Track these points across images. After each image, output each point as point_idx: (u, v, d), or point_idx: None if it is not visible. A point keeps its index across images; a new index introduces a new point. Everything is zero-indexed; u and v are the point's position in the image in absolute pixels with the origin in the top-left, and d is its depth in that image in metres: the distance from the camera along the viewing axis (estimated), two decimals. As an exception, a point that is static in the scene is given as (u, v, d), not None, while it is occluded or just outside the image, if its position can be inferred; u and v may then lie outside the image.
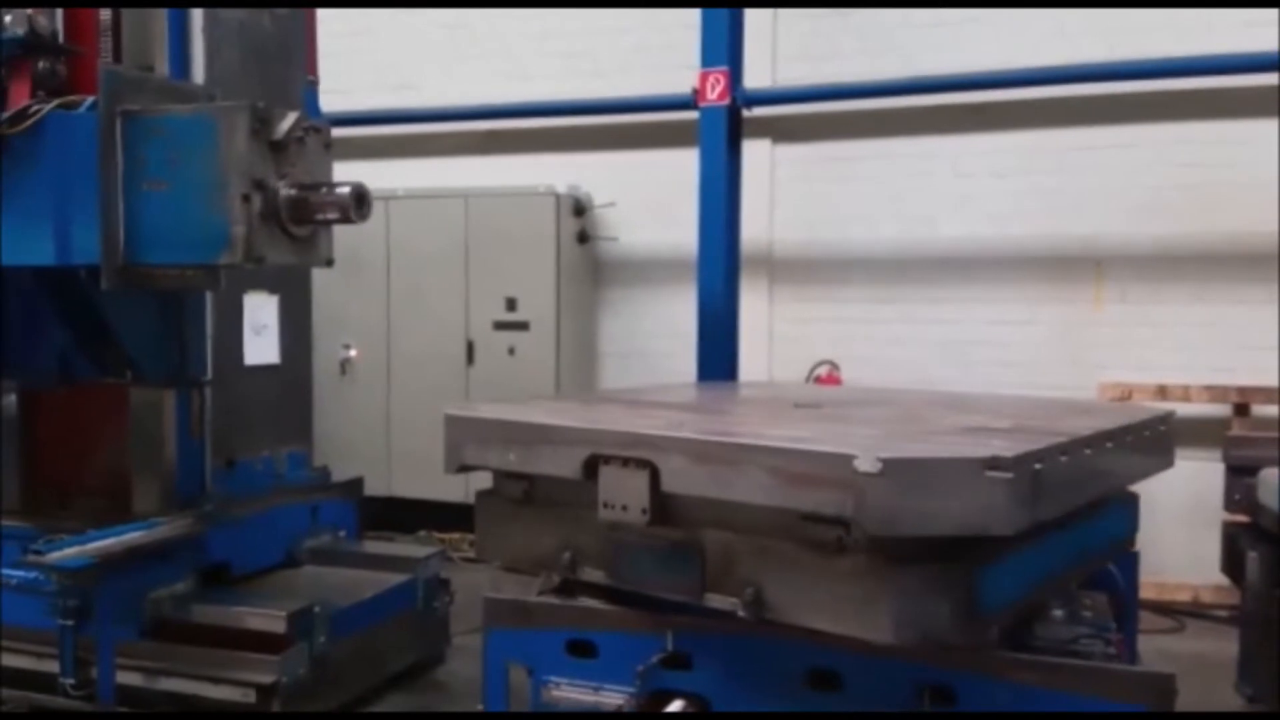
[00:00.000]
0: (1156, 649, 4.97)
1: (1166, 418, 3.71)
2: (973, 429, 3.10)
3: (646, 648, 3.08)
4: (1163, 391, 6.36)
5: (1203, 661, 5.13)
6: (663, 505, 2.91)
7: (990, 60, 6.68)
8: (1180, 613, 6.08)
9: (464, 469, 3.41)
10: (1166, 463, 3.72)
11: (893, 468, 2.48)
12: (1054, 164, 6.79)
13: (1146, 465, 3.56)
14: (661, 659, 3.07)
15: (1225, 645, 5.17)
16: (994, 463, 2.48)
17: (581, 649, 3.20)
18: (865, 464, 2.49)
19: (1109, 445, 3.13)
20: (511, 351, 7.30)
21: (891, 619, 2.57)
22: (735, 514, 2.81)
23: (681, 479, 2.84)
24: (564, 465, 3.08)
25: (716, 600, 2.89)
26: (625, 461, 2.94)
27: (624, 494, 2.94)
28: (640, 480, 2.90)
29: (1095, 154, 6.69)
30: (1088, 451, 2.96)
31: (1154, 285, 6.59)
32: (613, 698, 3.13)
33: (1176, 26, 6.41)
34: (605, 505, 2.97)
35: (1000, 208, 6.91)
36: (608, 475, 2.97)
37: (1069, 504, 2.89)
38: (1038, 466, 2.58)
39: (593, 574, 3.19)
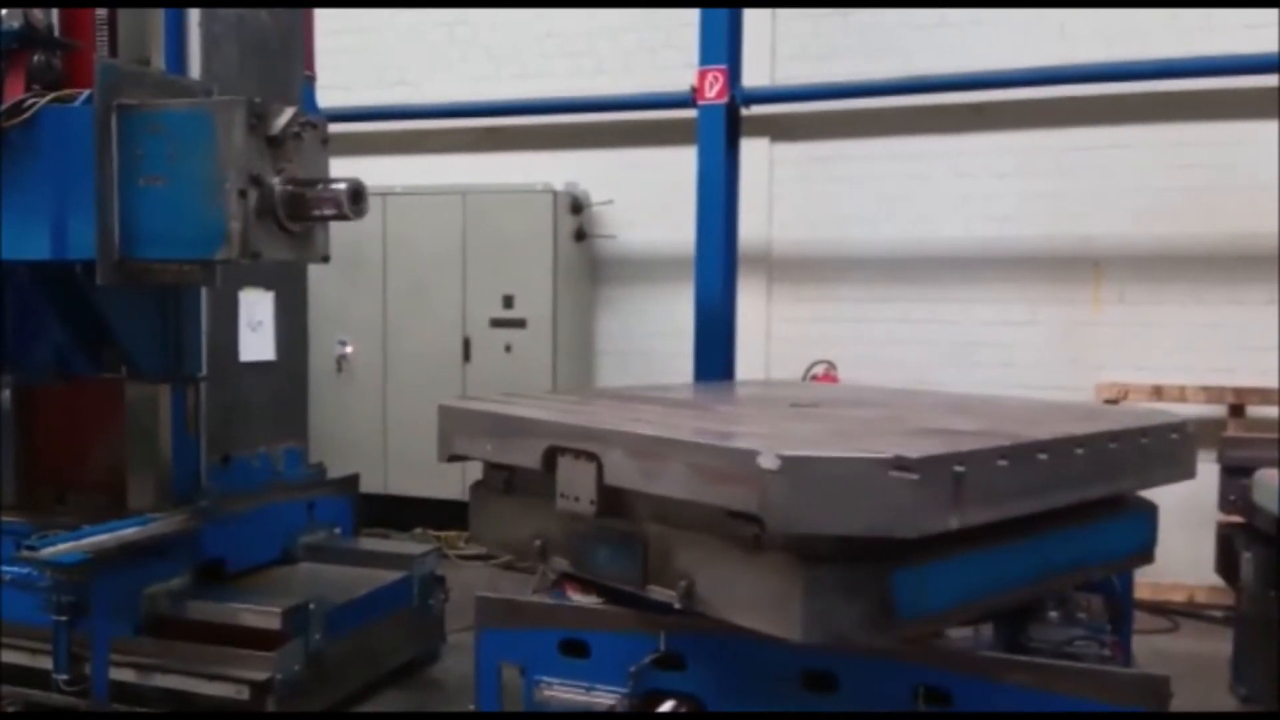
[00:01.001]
0: (1151, 649, 4.98)
1: (1180, 426, 3.44)
2: (936, 430, 3.02)
3: (639, 648, 3.08)
4: (1159, 392, 6.37)
5: (1197, 662, 5.14)
6: (613, 497, 3.00)
7: (990, 60, 6.68)
8: (1175, 613, 6.09)
9: (453, 458, 3.58)
10: (1178, 473, 3.44)
11: (792, 465, 2.50)
12: (1053, 164, 6.79)
13: (1146, 475, 3.33)
14: (654, 659, 3.06)
15: (1220, 645, 5.18)
16: (899, 463, 2.47)
17: (574, 649, 3.19)
18: (767, 461, 2.51)
19: (1079, 451, 2.98)
20: (508, 349, 7.29)
21: (800, 617, 2.58)
22: (672, 508, 2.87)
23: (620, 472, 2.93)
24: (529, 457, 3.20)
25: (657, 591, 2.97)
26: (578, 454, 3.04)
27: (576, 485, 3.05)
28: (589, 472, 3.00)
29: (1095, 154, 6.69)
30: (1043, 457, 2.84)
31: (1152, 286, 6.59)
32: (605, 698, 3.12)
33: (1177, 27, 6.42)
34: (562, 496, 3.09)
35: (1000, 208, 6.91)
36: (563, 467, 3.08)
37: (1014, 511, 2.78)
38: (959, 469, 2.54)
39: (560, 563, 3.31)
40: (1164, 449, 3.36)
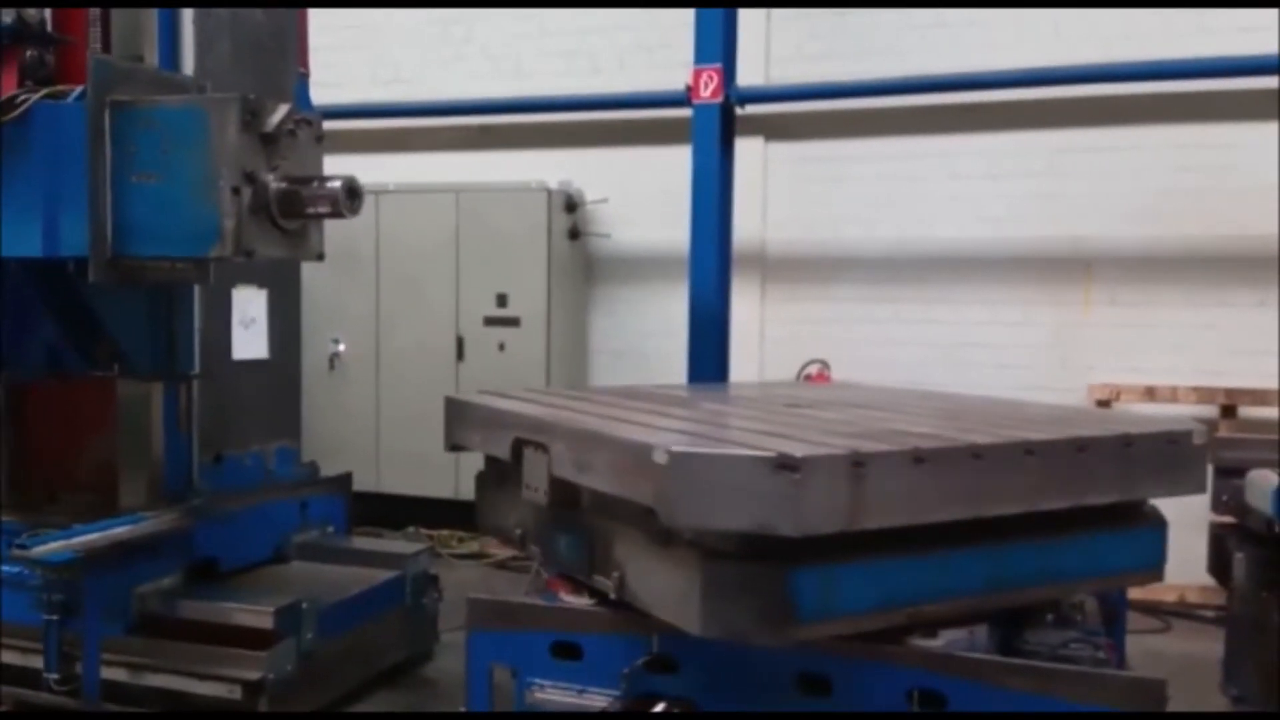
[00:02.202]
0: (1143, 649, 4.98)
1: (1181, 435, 3.22)
2: (892, 432, 3.00)
3: (632, 650, 3.06)
4: (1151, 393, 6.39)
5: (1189, 662, 5.15)
6: (565, 488, 3.10)
7: (985, 61, 6.68)
8: (1167, 613, 6.10)
9: (454, 448, 3.86)
10: (1179, 486, 3.24)
11: (681, 461, 2.55)
12: (1047, 165, 6.79)
13: (1132, 485, 3.15)
14: (646, 662, 3.05)
15: (1211, 645, 5.18)
16: (783, 462, 2.50)
17: (566, 651, 3.17)
18: (659, 455, 2.57)
19: (1029, 456, 2.88)
20: (502, 348, 7.28)
21: (699, 611, 2.64)
22: (607, 500, 2.94)
23: (561, 463, 3.05)
24: (502, 448, 3.36)
25: (599, 581, 3.07)
26: (536, 446, 3.16)
27: (534, 476, 3.19)
28: (543, 464, 3.12)
29: (1088, 156, 6.70)
30: (979, 462, 2.78)
31: (1145, 287, 6.60)
32: (597, 701, 3.10)
33: (1171, 29, 6.42)
34: (526, 486, 3.23)
35: (993, 209, 6.91)
36: (526, 458, 3.22)
37: (936, 516, 2.75)
38: (858, 471, 2.55)
39: (534, 550, 3.44)
40: (1157, 458, 3.17)
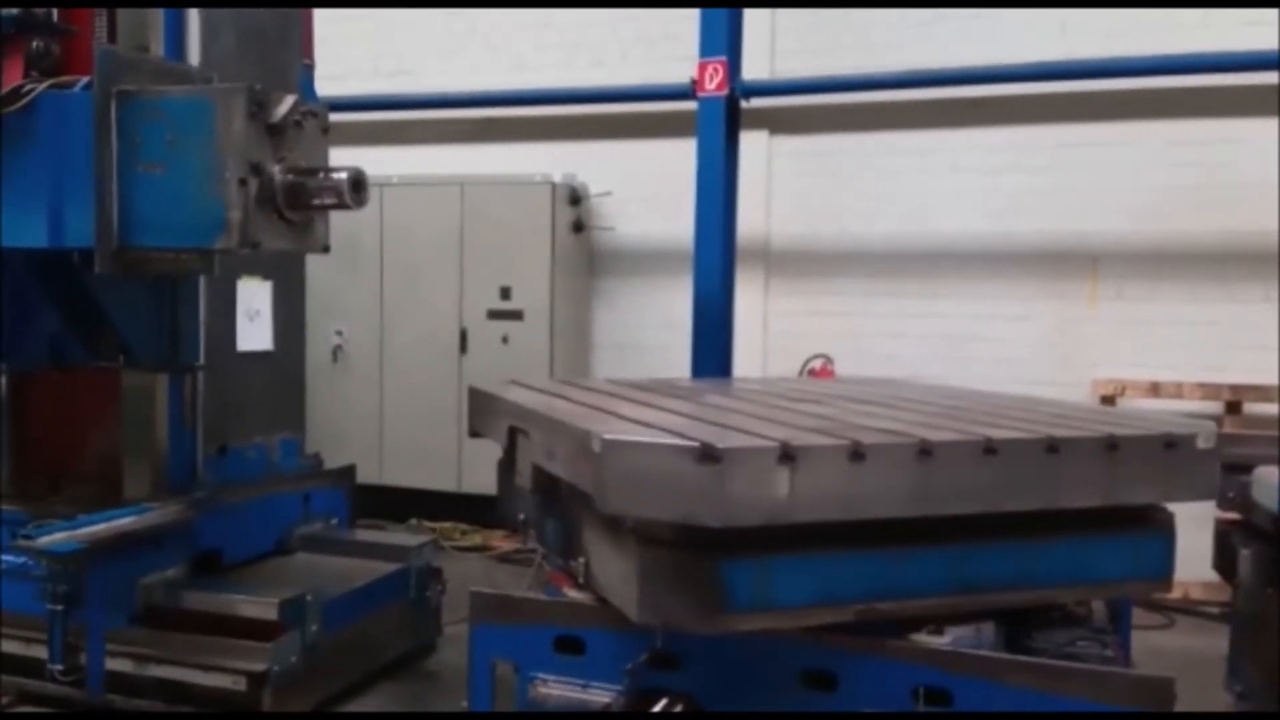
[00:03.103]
0: (1147, 646, 4.98)
1: (1181, 439, 3.03)
2: (857, 426, 3.00)
3: (635, 645, 3.05)
4: (1156, 388, 6.38)
5: (1192, 658, 5.15)
6: (546, 475, 3.16)
7: (989, 55, 6.66)
8: (1170, 609, 6.10)
9: (474, 435, 4.01)
10: (1179, 491, 3.09)
11: (613, 449, 2.60)
12: (1051, 160, 6.78)
13: (1121, 489, 2.99)
14: (649, 657, 3.05)
15: (1215, 642, 5.18)
16: (706, 453, 2.52)
17: (569, 646, 3.16)
18: (595, 444, 2.62)
19: (990, 455, 2.79)
20: (505, 341, 7.28)
21: (636, 598, 2.69)
22: (577, 487, 2.97)
23: (536, 451, 3.13)
24: (500, 435, 3.48)
25: (574, 565, 3.13)
26: (524, 434, 3.25)
27: (523, 462, 3.29)
28: (527, 451, 3.22)
29: (1093, 151, 6.69)
30: (926, 457, 2.73)
31: (1149, 283, 6.59)
32: (600, 696, 3.09)
33: (1175, 24, 6.40)
34: (518, 473, 3.33)
35: (997, 203, 6.90)
36: (519, 445, 3.31)
37: (874, 513, 2.72)
38: (786, 464, 2.56)
39: (532, 534, 3.55)
40: (1150, 462, 3.00)
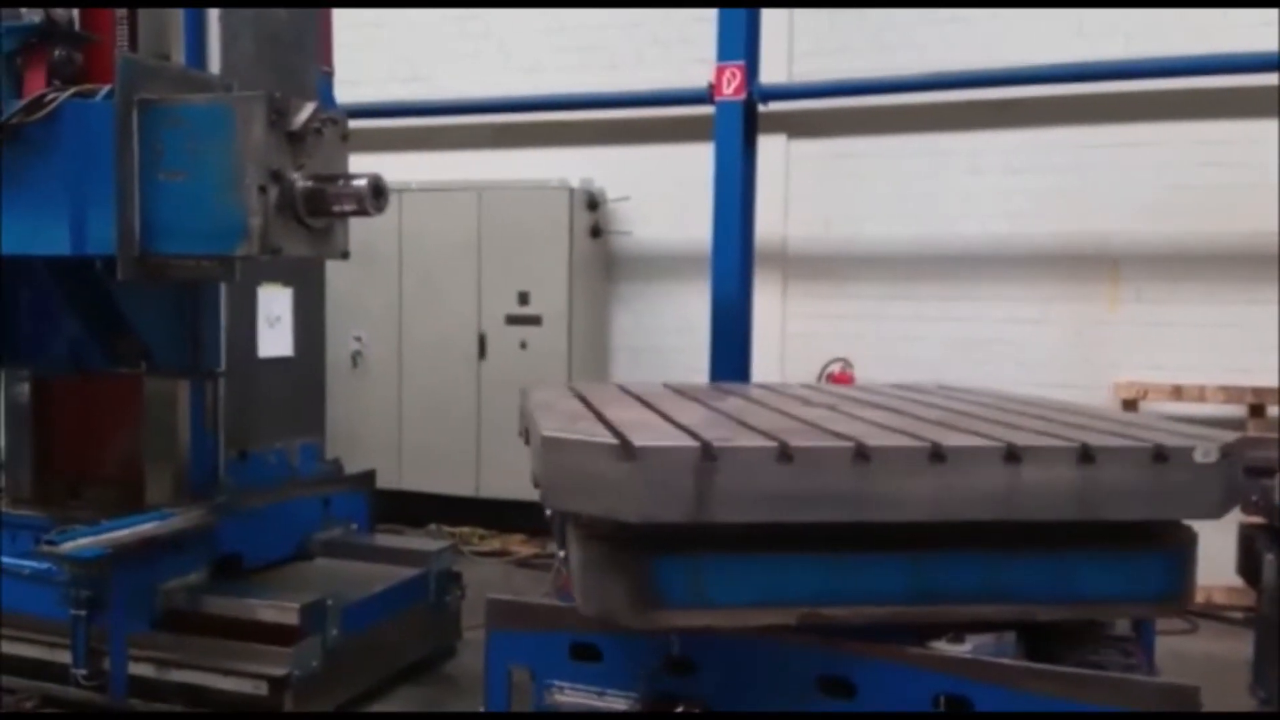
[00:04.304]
0: (1169, 650, 4.93)
1: (1174, 453, 2.80)
2: (818, 430, 3.00)
3: (651, 651, 3.04)
4: (1178, 392, 6.33)
5: (1216, 663, 5.10)
6: None
7: (1008, 57, 6.64)
8: (1193, 614, 6.05)
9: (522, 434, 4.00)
10: (1172, 508, 2.87)
11: (549, 445, 2.73)
12: (1070, 162, 6.75)
13: (1098, 505, 2.79)
14: (665, 663, 3.04)
15: (1238, 646, 5.13)
16: (625, 451, 2.59)
17: (585, 652, 3.15)
18: (536, 440, 2.79)
19: (938, 462, 2.70)
20: (524, 346, 7.29)
21: (581, 591, 2.81)
22: None
23: (533, 449, 3.15)
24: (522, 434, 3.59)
25: (558, 562, 3.24)
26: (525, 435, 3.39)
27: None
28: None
29: (1112, 152, 6.65)
30: (863, 462, 2.67)
31: (1170, 285, 6.55)
32: (617, 703, 3.09)
33: (1195, 25, 6.36)
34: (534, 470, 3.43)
35: (1016, 205, 6.87)
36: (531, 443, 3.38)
37: (813, 516, 2.68)
38: (707, 465, 2.59)
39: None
40: (1134, 477, 2.79)
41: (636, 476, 2.60)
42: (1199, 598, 6.15)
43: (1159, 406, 6.33)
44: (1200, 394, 6.28)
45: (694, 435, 2.80)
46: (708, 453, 2.62)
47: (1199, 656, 5.26)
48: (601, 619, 2.83)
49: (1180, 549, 2.96)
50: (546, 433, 2.75)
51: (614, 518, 2.67)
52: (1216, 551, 5.50)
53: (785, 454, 2.66)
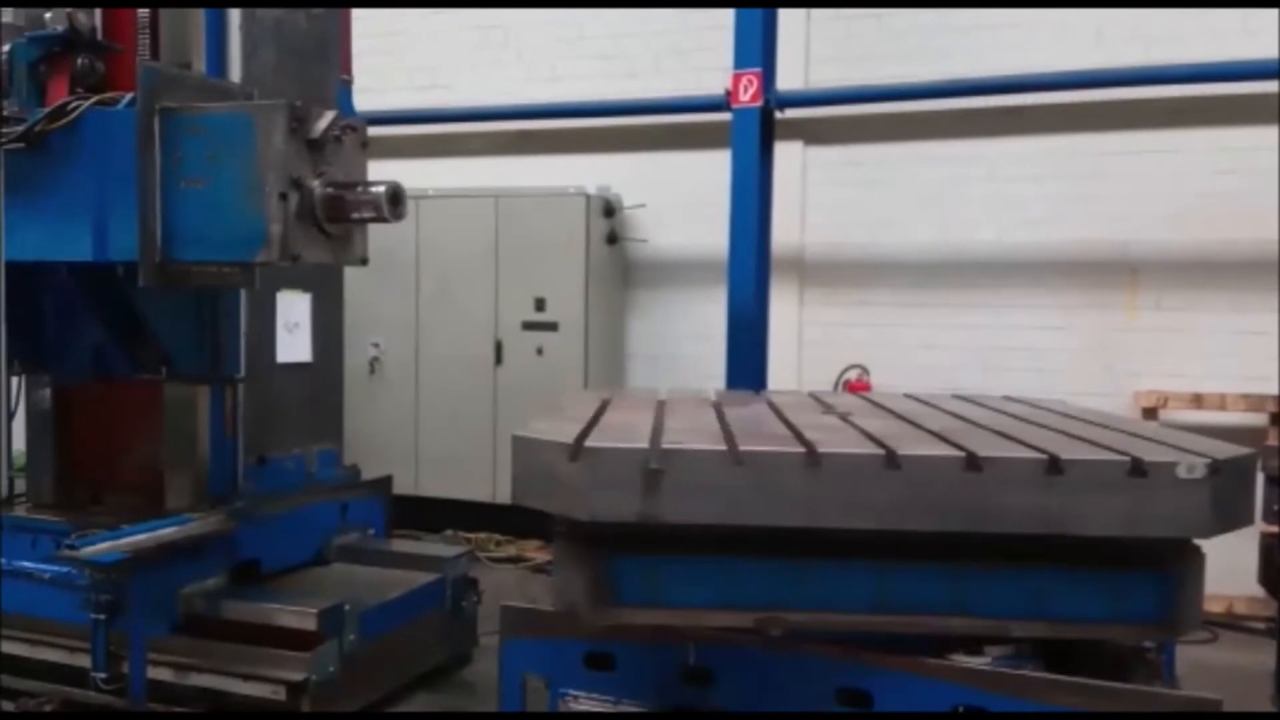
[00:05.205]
0: (1191, 661, 4.90)
1: (1153, 468, 2.63)
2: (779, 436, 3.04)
3: (667, 660, 3.04)
4: (1199, 400, 6.30)
5: (1237, 674, 5.06)
6: None
7: (1026, 64, 6.61)
8: (1214, 624, 6.00)
9: None
10: (1152, 525, 2.66)
11: (518, 445, 2.91)
12: (1090, 169, 6.72)
13: (1066, 519, 2.65)
14: (682, 673, 3.03)
15: (1260, 657, 5.09)
16: (574, 452, 2.71)
17: (599, 661, 3.15)
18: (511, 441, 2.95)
19: (892, 470, 2.65)
20: (540, 352, 7.30)
21: (554, 586, 2.96)
22: None
23: None
24: None
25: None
26: None
27: None
28: None
29: (1132, 159, 6.62)
30: (812, 469, 2.64)
31: (1191, 292, 6.51)
32: (632, 712, 3.09)
33: (1214, 31, 6.33)
34: None
35: (1035, 213, 6.85)
36: None
37: (763, 521, 2.69)
38: (653, 467, 2.65)
39: None
40: (1107, 491, 2.64)
41: (588, 477, 2.69)
42: (1220, 607, 6.12)
43: (1179, 415, 6.29)
44: (1221, 402, 6.24)
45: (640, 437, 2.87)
46: (657, 456, 2.67)
47: (1222, 667, 5.22)
48: (570, 614, 2.92)
49: (1173, 569, 2.76)
50: (516, 432, 2.90)
51: (567, 516, 2.79)
52: (1238, 562, 5.49)
53: (738, 459, 2.69)
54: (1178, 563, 2.78)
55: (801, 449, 2.72)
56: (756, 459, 2.68)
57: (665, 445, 2.72)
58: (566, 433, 2.86)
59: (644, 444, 2.74)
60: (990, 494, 2.65)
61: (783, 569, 2.81)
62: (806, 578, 2.81)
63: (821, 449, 2.71)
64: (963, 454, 2.68)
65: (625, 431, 3.00)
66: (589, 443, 2.74)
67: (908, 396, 4.45)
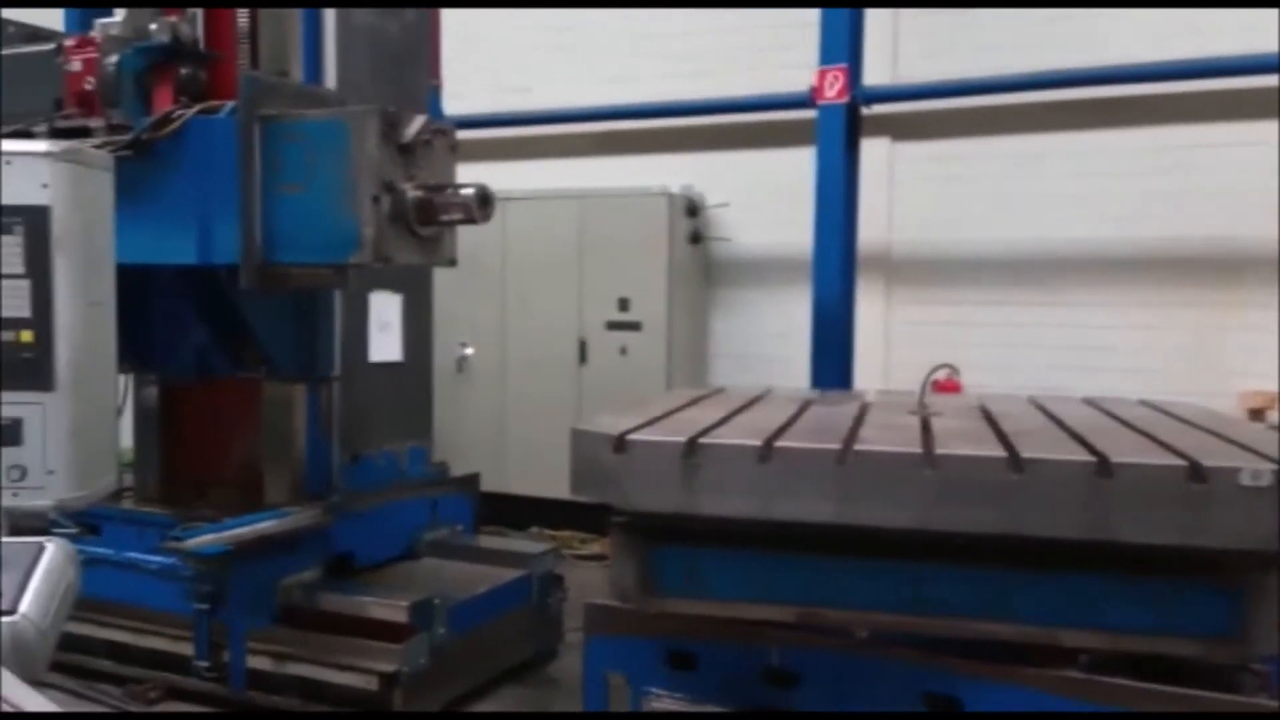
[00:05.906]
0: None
1: (1214, 474, 2.49)
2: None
3: (750, 661, 3.04)
4: (1308, 401, 6.06)
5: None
6: None
7: (1115, 55, 6.45)
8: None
9: None
10: (1212, 534, 2.51)
11: (576, 438, 3.02)
12: (1181, 162, 6.51)
13: (1112, 525, 2.56)
14: (764, 674, 3.01)
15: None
16: (618, 444, 2.77)
17: (681, 660, 3.16)
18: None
19: (926, 471, 2.60)
20: (623, 351, 7.33)
21: (610, 575, 3.05)
22: None
23: None
24: None
25: None
26: None
27: None
28: None
29: (1226, 151, 6.40)
30: (840, 466, 2.63)
31: (1296, 290, 6.27)
32: (713, 712, 3.10)
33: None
34: None
35: (1124, 208, 6.67)
36: None
37: (793, 515, 2.71)
38: (690, 458, 2.69)
39: None
40: (1156, 498, 2.53)
41: (628, 468, 2.77)
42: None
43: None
44: (1328, 403, 6.00)
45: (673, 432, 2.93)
46: (692, 448, 2.75)
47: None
48: (623, 602, 3.00)
49: (1242, 582, 2.59)
50: (576, 426, 3.01)
51: (609, 504, 2.88)
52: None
53: (763, 456, 2.73)
54: (1248, 575, 2.61)
55: (832, 448, 2.77)
56: (785, 456, 2.76)
57: (704, 440, 2.78)
58: (619, 426, 2.92)
59: (680, 437, 2.81)
60: (1029, 495, 2.61)
61: (816, 566, 2.86)
62: (834, 576, 2.88)
63: (938, 450, 2.73)
64: (1004, 456, 2.65)
65: (680, 426, 3.04)
66: (632, 436, 2.81)
67: (1030, 400, 4.28)
